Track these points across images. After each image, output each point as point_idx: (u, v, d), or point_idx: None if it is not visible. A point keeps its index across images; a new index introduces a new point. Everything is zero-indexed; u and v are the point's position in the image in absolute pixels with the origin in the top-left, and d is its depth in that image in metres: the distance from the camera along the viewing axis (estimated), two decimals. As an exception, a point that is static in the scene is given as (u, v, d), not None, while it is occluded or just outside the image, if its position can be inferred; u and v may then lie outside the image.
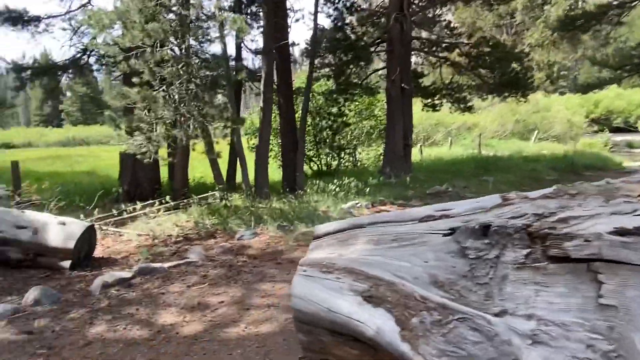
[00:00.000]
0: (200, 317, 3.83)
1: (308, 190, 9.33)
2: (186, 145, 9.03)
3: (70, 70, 12.77)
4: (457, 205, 2.46)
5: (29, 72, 12.39)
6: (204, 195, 8.78)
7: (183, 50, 7.04)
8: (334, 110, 12.96)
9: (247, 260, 5.37)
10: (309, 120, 12.18)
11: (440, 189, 9.25)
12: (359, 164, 15.53)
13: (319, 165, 15.29)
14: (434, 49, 12.53)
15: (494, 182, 9.73)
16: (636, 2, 11.90)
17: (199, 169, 12.70)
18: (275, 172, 11.97)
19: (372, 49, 11.65)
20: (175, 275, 4.88)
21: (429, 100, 13.08)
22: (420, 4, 12.17)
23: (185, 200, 8.56)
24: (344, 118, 13.23)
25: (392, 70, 11.10)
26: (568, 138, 22.98)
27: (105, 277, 4.63)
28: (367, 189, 8.93)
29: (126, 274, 4.80)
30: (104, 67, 13.19)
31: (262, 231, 6.63)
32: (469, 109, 12.93)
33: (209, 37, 7.68)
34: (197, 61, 7.34)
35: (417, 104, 13.41)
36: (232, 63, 10.40)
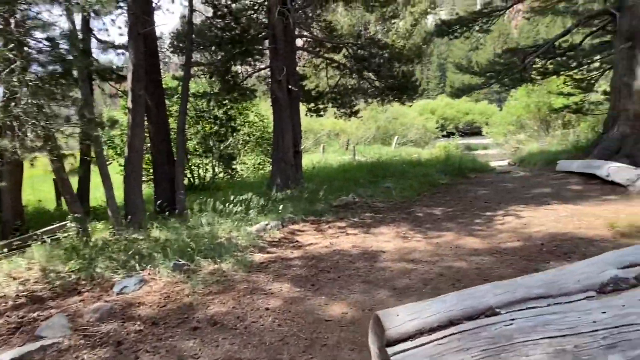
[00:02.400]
0: None
1: (190, 210, 7.59)
2: (20, 162, 6.56)
3: None
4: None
5: None
6: (50, 227, 6.44)
7: (13, 25, 4.84)
8: (220, 114, 11.21)
9: (144, 329, 3.64)
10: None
11: (349, 200, 8.38)
12: (236, 175, 13.96)
13: (191, 179, 13.33)
14: (319, 49, 11.76)
15: (395, 188, 9.26)
16: (502, 11, 12.93)
17: (28, 190, 9.81)
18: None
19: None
20: (26, 377, 2.96)
21: (313, 104, 12.26)
22: (299, 1, 11.27)
23: (21, 238, 6.14)
24: (233, 122, 11.58)
25: (278, 70, 9.94)
26: (423, 142, 24.70)
27: None
28: (268, 205, 7.60)
29: None
30: None
31: (151, 276, 4.83)
32: (355, 114, 12.47)
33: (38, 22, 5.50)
34: (35, 43, 5.14)
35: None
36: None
